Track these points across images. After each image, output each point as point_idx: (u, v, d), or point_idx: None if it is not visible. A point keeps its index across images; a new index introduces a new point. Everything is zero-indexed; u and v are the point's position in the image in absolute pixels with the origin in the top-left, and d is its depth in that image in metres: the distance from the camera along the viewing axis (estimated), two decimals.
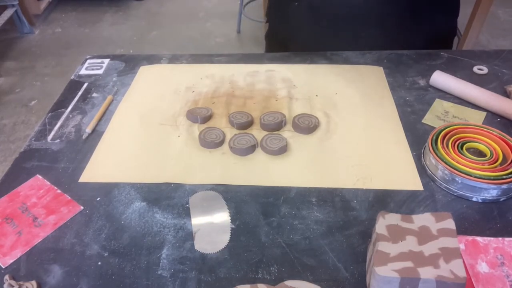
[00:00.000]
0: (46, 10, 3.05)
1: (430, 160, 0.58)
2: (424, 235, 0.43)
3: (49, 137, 0.69)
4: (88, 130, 0.69)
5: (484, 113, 0.69)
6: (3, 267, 0.50)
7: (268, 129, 0.67)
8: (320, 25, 0.77)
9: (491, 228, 0.52)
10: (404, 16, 0.73)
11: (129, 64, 0.86)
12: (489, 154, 0.58)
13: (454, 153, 0.57)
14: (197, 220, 0.54)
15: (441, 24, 0.87)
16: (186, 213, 0.55)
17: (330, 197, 0.56)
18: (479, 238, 0.50)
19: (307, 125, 0.67)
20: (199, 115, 0.69)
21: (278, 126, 0.67)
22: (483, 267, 0.47)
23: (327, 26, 0.78)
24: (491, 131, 0.60)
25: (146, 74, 0.83)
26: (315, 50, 0.85)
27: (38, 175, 0.62)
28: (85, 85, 0.81)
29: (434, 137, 0.59)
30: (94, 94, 0.78)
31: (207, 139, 0.65)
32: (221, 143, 0.65)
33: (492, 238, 0.50)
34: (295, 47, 0.83)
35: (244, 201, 0.56)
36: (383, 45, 0.82)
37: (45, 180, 0.61)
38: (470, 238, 0.50)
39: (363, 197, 0.56)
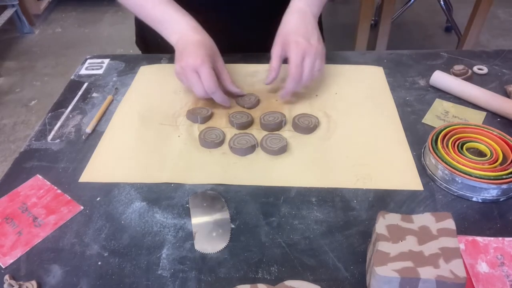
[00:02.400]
0: (46, 10, 3.05)
1: (430, 160, 0.58)
2: (424, 235, 0.43)
3: (49, 137, 0.69)
4: (88, 130, 0.69)
5: (484, 113, 0.69)
6: (3, 267, 0.50)
7: (268, 129, 0.67)
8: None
9: (491, 228, 0.52)
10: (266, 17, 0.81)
11: (129, 64, 0.86)
12: (489, 154, 0.58)
13: (454, 153, 0.57)
14: (197, 220, 0.54)
15: None
16: (186, 213, 0.55)
17: (330, 197, 0.56)
18: (479, 238, 0.50)
19: (307, 125, 0.67)
20: (199, 115, 0.69)
21: (278, 126, 0.67)
22: (483, 267, 0.47)
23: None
24: (491, 131, 0.60)
25: (146, 74, 0.83)
26: None
27: (38, 175, 0.62)
28: (85, 85, 0.81)
29: (434, 137, 0.59)
30: (94, 94, 0.78)
31: (207, 139, 0.65)
32: (221, 143, 0.65)
33: (492, 238, 0.50)
34: (169, 49, 0.80)
35: (244, 201, 0.56)
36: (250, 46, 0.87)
37: (45, 180, 0.61)
38: (470, 238, 0.50)
39: (363, 197, 0.56)
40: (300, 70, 0.67)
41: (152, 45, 0.70)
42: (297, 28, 0.69)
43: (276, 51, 0.70)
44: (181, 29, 0.70)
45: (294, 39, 0.68)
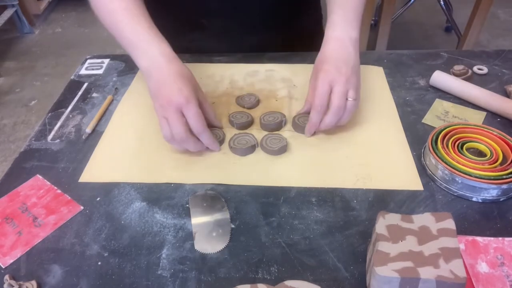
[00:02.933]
0: (46, 10, 3.05)
1: (430, 160, 0.58)
2: (424, 235, 0.43)
3: (49, 137, 0.69)
4: (88, 130, 0.69)
5: (484, 113, 0.69)
6: (3, 267, 0.50)
7: (268, 129, 0.67)
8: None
9: (491, 228, 0.52)
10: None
11: (129, 64, 0.86)
12: (489, 154, 0.58)
13: (454, 153, 0.57)
14: (197, 220, 0.54)
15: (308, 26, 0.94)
16: (186, 213, 0.55)
17: (330, 197, 0.56)
18: (479, 238, 0.50)
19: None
20: None
21: (278, 126, 0.67)
22: (483, 267, 0.47)
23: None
24: (491, 131, 0.60)
25: None
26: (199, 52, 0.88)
27: (38, 175, 0.61)
28: (85, 85, 0.81)
29: (434, 137, 0.59)
30: (94, 94, 0.78)
31: None
32: (221, 143, 0.65)
33: (492, 238, 0.50)
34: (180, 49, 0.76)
35: (244, 201, 0.56)
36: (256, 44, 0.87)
37: (45, 180, 0.61)
38: (470, 238, 0.50)
39: (363, 197, 0.56)
40: (324, 100, 0.61)
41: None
42: (330, 57, 0.63)
43: (311, 83, 0.66)
44: (153, 55, 0.62)
45: (324, 67, 0.62)
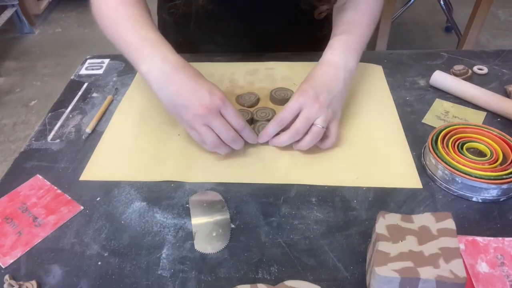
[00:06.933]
0: (46, 10, 3.05)
1: (430, 160, 0.58)
2: (424, 235, 0.43)
3: (49, 137, 0.69)
4: (88, 130, 0.69)
5: (484, 113, 0.69)
6: (3, 267, 0.50)
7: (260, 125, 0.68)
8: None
9: (491, 228, 0.52)
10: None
11: (129, 64, 0.85)
12: (489, 154, 0.58)
13: (454, 153, 0.57)
14: (197, 220, 0.54)
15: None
16: (186, 213, 0.55)
17: (330, 197, 0.56)
18: (479, 238, 0.50)
19: (283, 97, 0.71)
20: None
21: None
22: (483, 267, 0.47)
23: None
24: (491, 131, 0.60)
25: None
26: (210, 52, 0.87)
27: (38, 175, 0.61)
28: (85, 85, 0.81)
29: (434, 137, 0.59)
30: (94, 94, 0.78)
31: None
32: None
33: (492, 238, 0.50)
34: (185, 48, 0.76)
35: (244, 201, 0.56)
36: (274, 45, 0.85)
37: (45, 180, 0.61)
38: (470, 238, 0.50)
39: (363, 197, 0.56)
40: (288, 116, 0.59)
41: (171, 42, 0.64)
42: (316, 79, 0.61)
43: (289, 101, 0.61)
44: (164, 62, 0.58)
45: (304, 87, 0.60)
